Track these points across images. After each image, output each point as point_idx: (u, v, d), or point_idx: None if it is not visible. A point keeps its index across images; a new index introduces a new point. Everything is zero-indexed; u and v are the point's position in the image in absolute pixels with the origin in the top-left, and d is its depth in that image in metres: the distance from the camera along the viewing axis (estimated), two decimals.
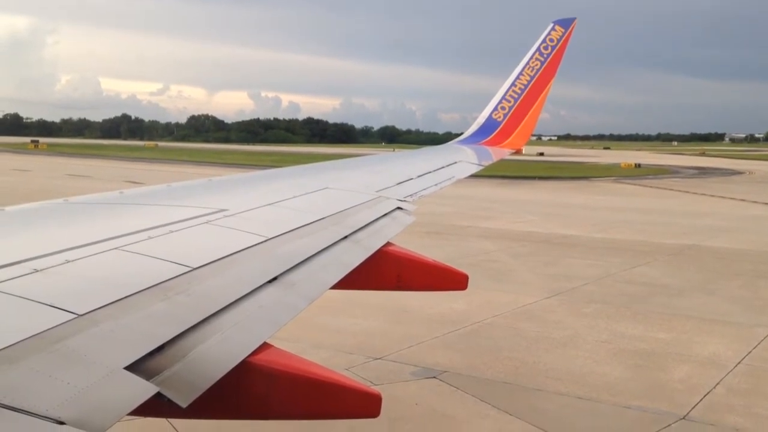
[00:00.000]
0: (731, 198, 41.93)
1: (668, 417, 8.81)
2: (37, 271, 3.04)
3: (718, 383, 10.04)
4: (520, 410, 8.93)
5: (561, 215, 31.32)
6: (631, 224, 28.45)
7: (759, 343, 11.97)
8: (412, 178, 7.98)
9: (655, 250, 21.78)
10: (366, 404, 3.44)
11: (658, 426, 8.53)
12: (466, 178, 9.26)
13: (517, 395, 9.52)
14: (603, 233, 25.72)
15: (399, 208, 6.37)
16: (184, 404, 2.54)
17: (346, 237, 5.00)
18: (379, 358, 10.91)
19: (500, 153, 12.08)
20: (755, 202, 39.90)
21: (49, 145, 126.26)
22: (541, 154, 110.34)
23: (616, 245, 22.83)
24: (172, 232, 4.07)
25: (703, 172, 76.04)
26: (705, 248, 22.59)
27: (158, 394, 2.48)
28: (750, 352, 11.50)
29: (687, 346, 11.85)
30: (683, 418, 8.82)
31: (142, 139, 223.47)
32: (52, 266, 3.15)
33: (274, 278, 3.83)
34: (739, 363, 10.93)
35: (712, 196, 43.80)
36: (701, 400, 9.40)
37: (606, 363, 10.92)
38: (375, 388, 3.48)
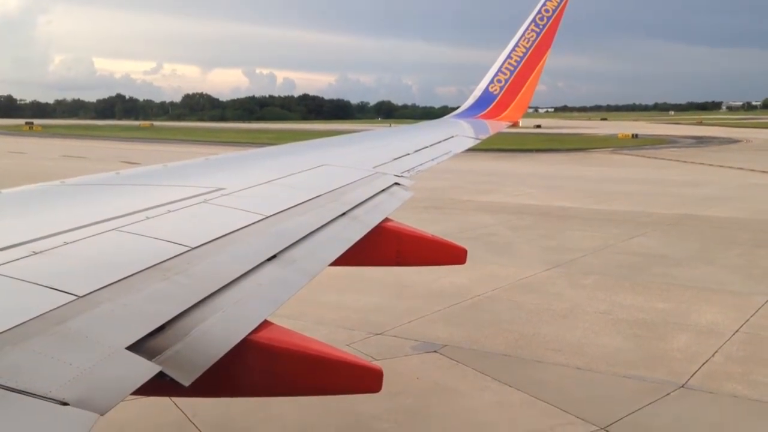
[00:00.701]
0: (729, 167, 41.91)
1: (667, 386, 8.89)
2: (36, 253, 3.03)
3: (716, 351, 10.11)
4: (520, 382, 9.01)
5: (559, 187, 31.32)
6: (629, 195, 28.46)
7: (757, 311, 12.04)
8: (409, 154, 7.96)
9: (653, 221, 21.81)
10: (367, 379, 3.46)
11: (657, 395, 8.60)
12: (463, 152, 9.24)
13: (517, 367, 9.59)
14: (601, 205, 25.74)
15: (396, 183, 6.37)
16: (186, 383, 2.55)
17: (344, 213, 5.00)
18: (380, 334, 10.97)
19: (497, 126, 12.03)
20: (753, 170, 39.90)
21: (44, 126, 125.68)
22: (538, 126, 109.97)
23: (614, 216, 22.86)
24: (170, 211, 4.07)
25: (700, 141, 75.91)
26: (703, 218, 22.63)
27: (161, 374, 2.49)
28: (748, 320, 11.58)
29: (685, 316, 11.92)
30: (682, 386, 8.90)
31: (137, 118, 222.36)
32: (51, 248, 3.15)
33: (274, 256, 3.83)
34: (737, 331, 11.00)
35: (710, 165, 43.77)
36: (700, 368, 9.48)
37: (605, 334, 10.99)
38: (376, 364, 3.50)
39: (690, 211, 23.86)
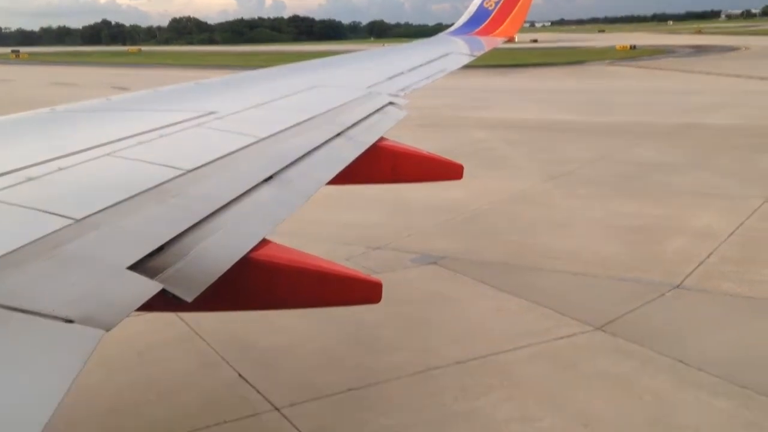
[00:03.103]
0: (727, 75, 41.39)
1: (662, 287, 9.10)
2: (31, 179, 3.05)
3: (711, 253, 10.30)
4: (518, 289, 9.23)
5: (556, 101, 31.03)
6: (627, 106, 28.24)
7: (752, 213, 12.18)
8: (403, 73, 7.89)
9: (650, 131, 21.74)
10: (367, 291, 3.55)
11: (652, 295, 8.83)
12: (458, 69, 9.14)
13: (514, 275, 9.80)
14: (598, 117, 25.59)
15: (391, 103, 6.34)
16: (189, 299, 2.61)
17: (339, 134, 5.00)
18: (379, 248, 11.13)
19: (492, 42, 11.84)
20: (750, 77, 39.43)
21: (30, 54, 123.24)
22: (535, 41, 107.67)
23: (611, 128, 22.77)
24: (162, 136, 4.07)
25: (698, 50, 74.60)
26: (700, 125, 22.55)
27: (163, 291, 2.54)
28: (743, 222, 11.72)
29: (681, 220, 12.06)
30: (677, 287, 9.12)
31: (124, 44, 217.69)
32: (46, 174, 3.15)
33: (270, 177, 3.84)
34: (732, 233, 11.16)
35: (708, 73, 43.21)
36: (695, 269, 9.68)
37: (601, 240, 11.16)
38: (376, 276, 3.60)
39: (687, 120, 23.75)
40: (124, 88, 37.74)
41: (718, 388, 6.57)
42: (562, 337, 7.77)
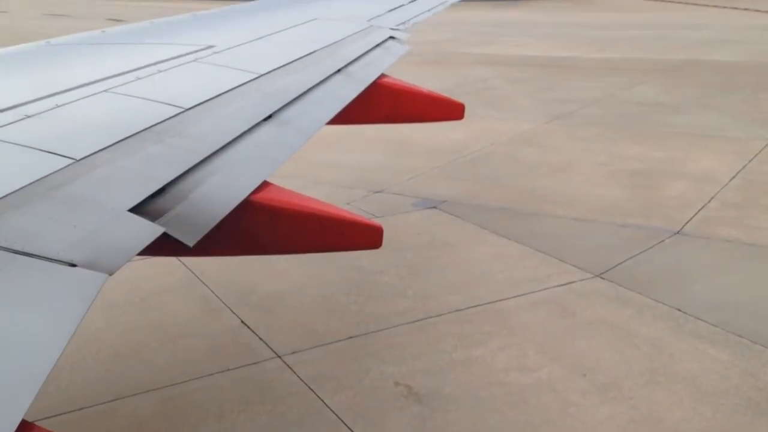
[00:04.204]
0: (734, 8, 40.50)
1: (662, 233, 9.08)
2: (29, 116, 2.99)
3: (712, 198, 10.24)
4: (518, 234, 9.20)
5: (559, 36, 30.46)
6: (630, 41, 27.73)
7: (755, 156, 12.07)
8: (404, 5, 7.70)
9: (654, 68, 21.39)
10: (368, 236, 3.53)
11: (652, 242, 8.81)
12: (460, 1, 8.90)
13: (515, 220, 9.76)
14: (601, 53, 25.15)
15: (392, 37, 6.20)
16: (191, 243, 2.59)
17: (339, 70, 4.91)
18: (380, 191, 11.06)
19: None
20: (758, 11, 38.62)
21: None
22: None
23: (614, 65, 22.40)
24: (160, 71, 3.97)
25: None
26: (705, 62, 22.17)
27: (165, 235, 2.51)
28: (745, 165, 11.63)
29: (683, 164, 11.97)
30: (677, 233, 9.09)
31: None
32: (43, 111, 3.10)
33: (270, 116, 3.78)
34: (734, 177, 11.08)
35: (715, 6, 42.30)
36: (695, 214, 9.64)
37: (602, 185, 11.09)
38: (376, 221, 3.54)
39: (692, 56, 23.34)
40: (119, 20, 36.94)
41: (716, 337, 6.60)
42: (561, 285, 7.77)
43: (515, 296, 7.54)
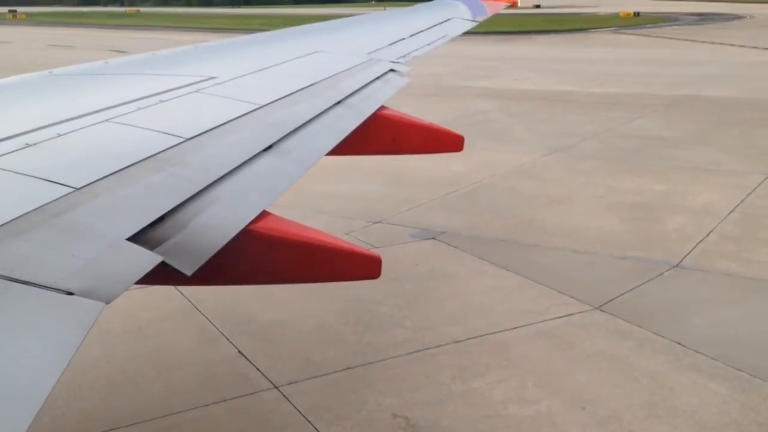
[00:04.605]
0: (731, 44, 41.01)
1: (662, 266, 9.07)
2: (30, 145, 3.00)
3: (711, 231, 10.25)
4: (517, 266, 9.19)
5: (559, 70, 30.77)
6: (630, 76, 28.01)
7: (753, 191, 12.12)
8: (404, 38, 7.77)
9: (653, 102, 21.57)
10: (367, 266, 3.51)
11: (651, 274, 8.80)
12: (460, 35, 9.00)
13: (514, 252, 9.76)
14: (601, 87, 25.38)
15: (392, 70, 6.25)
16: (188, 272, 2.59)
17: (339, 102, 4.93)
18: (379, 222, 11.08)
19: (495, 7, 11.67)
20: (755, 47, 39.05)
21: (28, 14, 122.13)
22: (538, 6, 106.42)
23: (613, 99, 22.60)
24: (161, 102, 3.99)
25: (703, 18, 73.86)
26: (703, 98, 22.37)
27: (163, 263, 2.51)
28: (744, 200, 11.67)
29: (682, 197, 12.00)
30: (676, 266, 9.09)
31: (122, 4, 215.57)
32: (45, 140, 3.11)
33: (270, 146, 3.79)
34: (732, 211, 11.11)
35: (712, 43, 42.81)
36: (694, 248, 9.64)
37: (601, 217, 11.11)
38: (375, 251, 3.54)
39: (690, 92, 23.56)
40: (122, 51, 37.28)
41: (715, 371, 6.57)
42: (561, 317, 7.75)
43: (514, 328, 7.51)
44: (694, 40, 45.49)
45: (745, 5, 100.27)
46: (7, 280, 1.95)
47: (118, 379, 6.60)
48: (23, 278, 2.00)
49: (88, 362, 6.73)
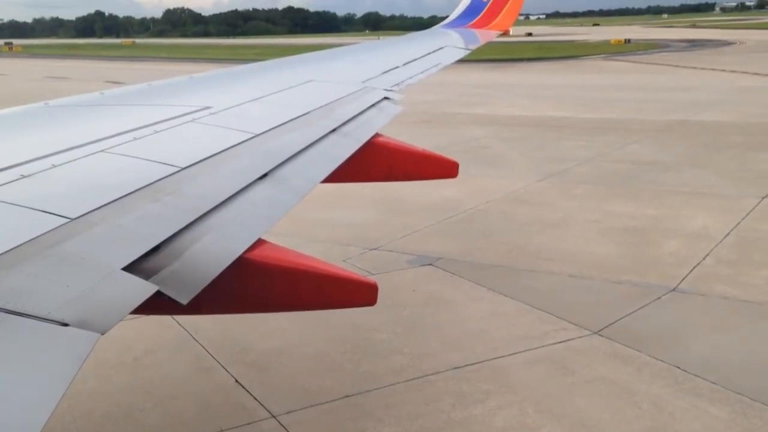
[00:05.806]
0: (721, 70, 41.47)
1: (658, 290, 9.06)
2: (25, 176, 2.99)
3: (707, 255, 10.26)
4: (514, 291, 9.17)
5: (551, 97, 31.02)
6: (622, 102, 28.25)
7: (747, 214, 12.16)
8: (398, 67, 7.83)
9: (645, 128, 21.74)
10: (363, 293, 3.50)
11: (648, 299, 8.78)
12: (453, 63, 9.07)
13: (510, 277, 9.74)
14: (593, 113, 25.57)
15: (386, 98, 6.28)
16: (184, 301, 2.57)
17: (334, 130, 4.95)
18: (375, 249, 11.06)
19: (487, 35, 11.79)
20: (745, 72, 39.50)
21: (24, 46, 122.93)
22: (530, 34, 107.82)
23: (606, 125, 22.75)
24: (157, 132, 4.00)
25: (693, 44, 74.83)
26: (695, 123, 22.55)
27: (158, 293, 2.50)
28: (739, 223, 11.70)
29: (676, 221, 12.03)
30: (673, 290, 9.08)
31: (118, 36, 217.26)
32: (39, 171, 3.11)
33: (265, 175, 3.79)
34: (727, 234, 11.13)
35: (703, 69, 43.27)
36: (691, 272, 9.64)
37: (597, 242, 11.12)
38: (371, 278, 3.53)
39: (682, 117, 23.76)
40: (118, 82, 37.48)
41: (716, 395, 6.52)
42: (559, 342, 7.71)
43: (513, 353, 7.46)
44: (684, 66, 46.01)
45: (735, 31, 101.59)
46: (2, 311, 1.94)
47: (114, 411, 6.53)
48: (18, 310, 1.99)
49: (84, 394, 6.66)
